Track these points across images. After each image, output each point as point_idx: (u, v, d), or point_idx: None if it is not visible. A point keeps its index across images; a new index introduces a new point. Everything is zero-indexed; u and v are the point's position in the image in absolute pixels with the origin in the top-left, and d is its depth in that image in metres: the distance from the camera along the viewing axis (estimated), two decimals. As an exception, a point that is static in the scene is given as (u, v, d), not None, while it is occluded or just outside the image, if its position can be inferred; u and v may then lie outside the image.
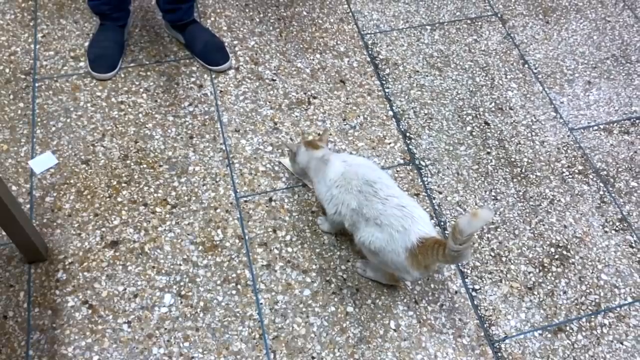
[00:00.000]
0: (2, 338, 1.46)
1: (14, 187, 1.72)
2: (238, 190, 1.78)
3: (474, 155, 1.94)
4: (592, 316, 1.61)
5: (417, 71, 2.17)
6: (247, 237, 1.69)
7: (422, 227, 1.37)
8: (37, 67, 2.02)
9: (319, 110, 2.01)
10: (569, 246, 1.75)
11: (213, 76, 2.07)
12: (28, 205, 1.70)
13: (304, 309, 1.56)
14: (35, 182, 1.74)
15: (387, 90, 2.09)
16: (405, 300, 1.60)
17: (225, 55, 2.07)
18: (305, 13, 2.31)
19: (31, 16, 2.17)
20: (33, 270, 1.58)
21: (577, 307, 1.62)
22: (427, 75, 2.16)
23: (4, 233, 1.59)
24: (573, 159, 1.96)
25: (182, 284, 1.58)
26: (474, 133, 2.00)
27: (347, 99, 2.05)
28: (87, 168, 1.79)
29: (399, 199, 1.42)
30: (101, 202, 1.72)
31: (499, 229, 1.77)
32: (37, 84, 1.97)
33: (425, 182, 1.86)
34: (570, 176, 1.91)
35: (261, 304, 1.56)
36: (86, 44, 2.10)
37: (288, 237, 1.70)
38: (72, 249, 1.62)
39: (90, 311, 1.52)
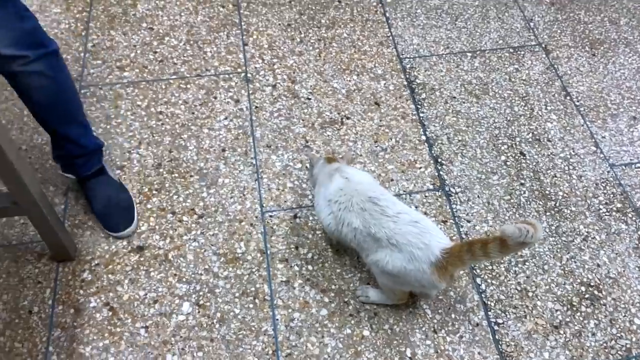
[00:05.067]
0: (25, 332, 1.51)
1: (51, 188, 1.79)
2: (264, 205, 1.80)
3: (507, 186, 1.89)
4: (622, 362, 1.53)
5: (454, 97, 2.15)
6: (268, 252, 1.69)
7: (440, 238, 1.35)
8: (84, 75, 2.11)
9: (351, 131, 2.01)
10: (601, 286, 1.67)
11: (250, 92, 2.11)
12: (62, 206, 1.76)
13: (319, 329, 1.55)
14: (72, 184, 1.81)
15: (421, 114, 2.08)
16: (423, 329, 1.56)
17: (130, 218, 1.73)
18: (345, 35, 2.34)
19: (84, 26, 2.28)
20: (61, 269, 1.63)
21: (606, 351, 1.55)
22: (464, 102, 2.13)
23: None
24: (612, 196, 1.89)
25: (201, 293, 1.60)
26: (508, 163, 1.96)
27: (380, 121, 2.05)
28: (121, 173, 1.85)
29: (409, 214, 1.39)
30: (131, 208, 1.77)
31: (527, 263, 1.71)
32: (82, 91, 2.06)
33: (454, 210, 1.82)
34: (607, 213, 1.84)
35: (277, 320, 1.56)
36: (132, 54, 2.18)
37: (309, 255, 1.69)
38: (100, 252, 1.67)
39: (110, 313, 1.55)
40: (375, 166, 1.92)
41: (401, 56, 2.28)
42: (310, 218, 1.78)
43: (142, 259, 1.66)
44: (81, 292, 1.59)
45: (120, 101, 2.04)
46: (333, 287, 1.63)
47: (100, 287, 1.60)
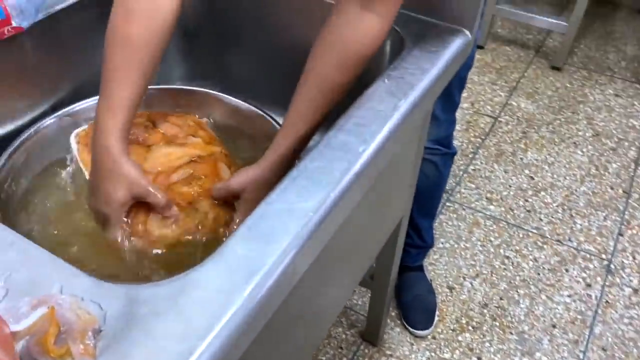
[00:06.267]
0: (312, 383, 1.62)
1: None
2: (574, 409, 1.59)
3: None
4: None
5: None
6: None
7: None
8: (455, 191, 2.26)
9: None
10: None
11: (606, 284, 1.93)
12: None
13: None
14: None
15: None
16: None
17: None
18: None
19: (473, 150, 2.45)
20: (362, 347, 1.72)
21: None
22: None
23: (361, 302, 1.80)
24: None
25: None
26: None
27: None
28: (448, 293, 1.88)
29: None
30: (443, 330, 1.77)
31: None
32: (448, 204, 2.20)
33: None
34: None
35: None
36: (504, 193, 2.24)
37: None
38: (400, 352, 1.71)
39: (383, 416, 1.56)
40: None
41: None
42: None
43: (432, 384, 1.63)
44: (369, 378, 1.64)
45: (476, 229, 2.10)
46: None
47: (385, 385, 1.63)
